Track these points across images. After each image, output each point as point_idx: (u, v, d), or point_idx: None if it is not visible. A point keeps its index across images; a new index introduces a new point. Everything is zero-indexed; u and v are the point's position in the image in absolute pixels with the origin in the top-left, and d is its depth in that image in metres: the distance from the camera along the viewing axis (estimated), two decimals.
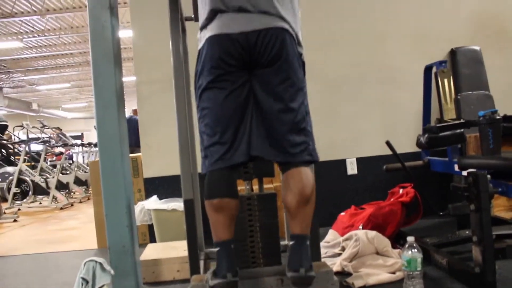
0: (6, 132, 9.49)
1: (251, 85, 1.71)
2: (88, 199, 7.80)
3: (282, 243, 2.32)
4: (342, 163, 3.88)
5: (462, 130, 2.62)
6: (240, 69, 1.70)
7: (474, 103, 3.45)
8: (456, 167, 2.87)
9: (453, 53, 3.85)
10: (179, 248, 2.81)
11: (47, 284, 2.79)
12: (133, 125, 6.02)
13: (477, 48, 3.85)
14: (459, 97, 3.43)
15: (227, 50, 1.68)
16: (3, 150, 8.68)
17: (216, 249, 1.74)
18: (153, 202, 3.50)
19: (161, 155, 3.71)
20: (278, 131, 1.70)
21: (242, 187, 2.48)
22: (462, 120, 2.72)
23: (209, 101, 1.72)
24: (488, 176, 1.96)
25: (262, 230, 2.22)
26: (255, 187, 2.45)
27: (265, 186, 2.70)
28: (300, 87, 1.74)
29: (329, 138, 3.85)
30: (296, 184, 1.69)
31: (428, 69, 3.53)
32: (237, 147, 1.71)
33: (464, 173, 2.71)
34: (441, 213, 2.66)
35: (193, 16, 2.25)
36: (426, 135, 2.65)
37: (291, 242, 1.73)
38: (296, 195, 1.68)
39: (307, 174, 1.72)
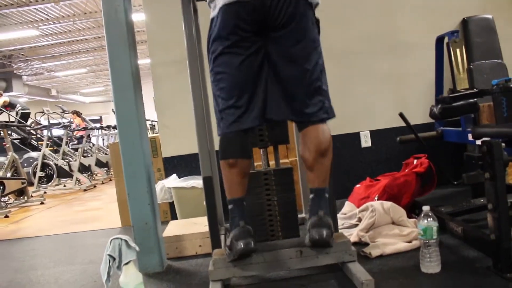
0: (31, 120, 9.60)
1: (266, 50, 1.71)
2: (110, 180, 7.90)
3: (299, 216, 2.34)
4: (356, 136, 3.86)
5: (475, 99, 2.58)
6: (255, 34, 1.70)
7: (487, 72, 3.39)
8: (469, 137, 2.83)
9: (465, 22, 3.77)
10: (200, 224, 2.85)
11: (74, 262, 2.85)
12: None
13: (489, 16, 3.75)
14: (471, 66, 3.37)
15: (242, 17, 1.68)
16: (27, 136, 8.80)
17: (229, 206, 1.81)
18: (173, 181, 3.52)
19: (178, 134, 3.72)
20: (294, 92, 1.72)
21: (259, 162, 2.49)
22: (475, 90, 2.67)
23: (225, 66, 1.73)
24: (503, 144, 1.93)
25: (280, 204, 2.24)
26: (272, 163, 2.46)
27: (281, 161, 2.70)
28: (315, 46, 1.74)
29: (342, 112, 3.77)
30: (313, 141, 1.73)
31: (439, 40, 3.46)
32: (252, 110, 1.73)
33: (478, 142, 2.68)
34: (455, 182, 2.64)
35: None
36: (439, 106, 2.61)
37: (310, 196, 1.78)
38: (313, 151, 1.73)
39: (324, 130, 1.75)
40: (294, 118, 1.77)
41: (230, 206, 1.82)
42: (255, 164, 2.69)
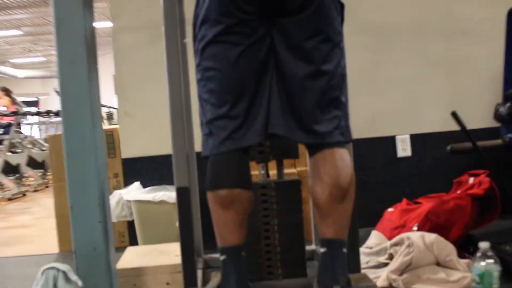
0: None
1: (272, 40, 1.70)
2: (46, 186, 7.89)
3: (308, 247, 2.34)
4: (390, 141, 3.88)
5: None
6: (259, 17, 1.67)
7: None
8: None
9: None
10: (169, 253, 2.84)
11: None
12: None
13: None
14: None
15: None
16: None
17: (221, 258, 1.76)
18: (135, 191, 3.53)
19: (146, 127, 3.73)
20: (304, 102, 1.71)
21: (255, 172, 2.49)
22: None
23: (216, 60, 1.71)
24: None
25: (281, 229, 2.24)
26: (273, 172, 2.46)
27: (286, 171, 2.70)
28: (336, 42, 1.73)
29: (374, 108, 3.85)
30: (329, 171, 1.70)
31: None
32: (251, 122, 1.72)
33: None
34: None
35: None
36: (509, 104, 2.63)
37: (322, 249, 1.74)
38: (328, 186, 1.69)
39: (344, 157, 1.73)
40: (302, 140, 1.76)
41: (221, 257, 1.79)
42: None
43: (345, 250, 1.74)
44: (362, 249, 2.87)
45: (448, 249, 2.62)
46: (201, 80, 1.76)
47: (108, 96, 4.39)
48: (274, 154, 2.31)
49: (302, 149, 3.01)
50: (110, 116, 11.03)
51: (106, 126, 5.91)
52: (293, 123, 1.73)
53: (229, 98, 1.70)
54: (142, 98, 3.73)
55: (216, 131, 1.73)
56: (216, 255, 1.77)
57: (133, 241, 3.64)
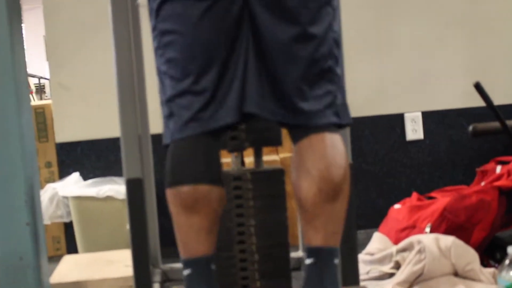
0: None
1: None
2: None
3: (293, 254, 2.35)
4: (397, 120, 3.90)
5: None
6: None
7: None
8: None
9: None
10: (118, 263, 2.83)
11: None
12: None
13: None
14: None
15: None
16: None
17: (184, 272, 1.76)
18: (73, 185, 3.52)
19: (86, 103, 3.72)
20: (288, 73, 1.71)
21: (226, 159, 2.48)
22: None
23: (175, 20, 1.71)
24: None
25: (260, 232, 2.24)
26: (249, 160, 2.46)
27: (266, 157, 2.69)
28: (327, 0, 1.74)
29: (376, 79, 3.87)
30: (317, 162, 1.70)
31: None
32: (222, 99, 1.71)
33: None
34: None
35: None
36: None
37: (308, 260, 1.75)
38: (316, 180, 1.70)
39: (335, 145, 1.73)
40: (285, 120, 1.76)
41: (185, 272, 1.78)
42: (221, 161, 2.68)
43: (336, 261, 1.75)
44: (362, 256, 2.87)
45: (468, 256, 2.64)
46: (158, 48, 1.76)
47: (37, 63, 4.34)
48: (251, 141, 2.29)
49: (286, 135, 3.02)
50: (40, 89, 10.96)
51: (35, 101, 5.86)
52: (273, 100, 1.73)
53: (192, 69, 1.70)
54: (82, 65, 3.71)
55: (177, 111, 1.73)
56: (178, 265, 1.77)
57: (72, 248, 3.62)
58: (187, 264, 1.76)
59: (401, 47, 3.91)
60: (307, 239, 1.75)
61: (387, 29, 3.90)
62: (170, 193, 1.73)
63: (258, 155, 2.38)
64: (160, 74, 1.77)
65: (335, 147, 1.72)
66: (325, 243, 1.72)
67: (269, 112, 1.73)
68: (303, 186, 1.70)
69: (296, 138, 1.76)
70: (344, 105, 1.79)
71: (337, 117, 1.75)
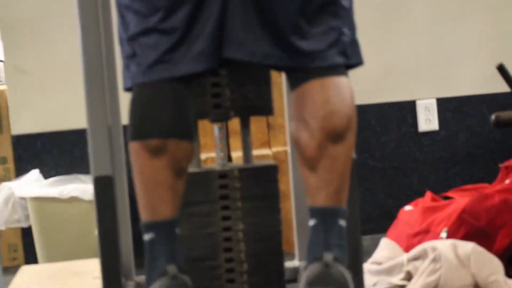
0: None
1: None
2: None
3: (288, 264, 2.35)
4: (409, 108, 3.92)
5: None
6: None
7: None
8: None
9: None
10: (85, 274, 2.83)
11: None
12: None
13: None
14: None
15: None
16: None
17: (146, 237, 1.81)
18: (33, 184, 3.50)
19: (48, 89, 3.71)
20: (282, 6, 1.71)
21: (210, 154, 2.47)
22: None
23: None
24: None
25: (249, 238, 2.24)
26: (236, 155, 2.45)
27: (256, 152, 2.69)
28: None
29: (385, 61, 3.88)
30: (319, 110, 1.73)
31: None
32: (195, 39, 1.72)
33: None
34: None
35: None
36: None
37: (311, 222, 1.80)
38: (318, 127, 1.73)
39: (340, 89, 1.76)
40: (279, 62, 1.76)
41: (147, 236, 1.80)
42: (203, 156, 2.68)
43: (342, 222, 1.79)
44: (368, 266, 2.88)
45: (491, 265, 2.64)
46: None
47: None
48: (237, 109, 2.25)
49: (279, 116, 3.01)
50: None
51: None
52: (264, 40, 1.73)
53: (161, 3, 1.70)
54: (43, 45, 3.70)
55: (141, 51, 1.75)
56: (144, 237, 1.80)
57: (31, 258, 3.62)
58: (149, 227, 1.80)
59: (413, 24, 3.92)
60: (310, 198, 1.80)
61: (397, 3, 3.91)
62: (133, 147, 1.77)
63: (245, 126, 2.34)
64: (121, 7, 1.78)
65: (339, 93, 1.74)
66: (327, 202, 1.77)
67: (257, 55, 1.74)
68: (302, 139, 1.75)
69: (294, 83, 1.78)
70: (354, 43, 1.80)
71: (343, 56, 1.76)
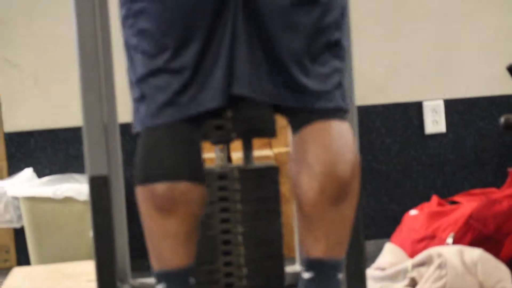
0: None
1: None
2: None
3: (289, 268, 2.34)
4: (414, 109, 3.91)
5: None
6: None
7: None
8: None
9: None
10: (78, 277, 2.83)
11: None
12: None
13: None
14: None
15: None
16: None
17: (158, 287, 1.77)
18: (26, 184, 3.51)
19: (42, 85, 3.71)
20: (287, 45, 1.71)
21: (209, 154, 2.46)
22: None
23: None
24: None
25: (249, 241, 2.24)
26: (236, 155, 2.45)
27: (257, 152, 2.69)
28: None
29: (390, 60, 3.87)
30: (321, 156, 1.71)
31: None
32: (205, 78, 1.72)
33: None
34: None
35: None
36: None
37: (306, 275, 1.76)
38: (320, 177, 1.70)
39: (344, 135, 1.75)
40: (285, 102, 1.76)
41: (159, 287, 1.78)
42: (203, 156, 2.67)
43: (340, 276, 1.76)
44: (371, 272, 2.88)
45: (499, 272, 2.65)
46: (128, 16, 1.76)
47: None
48: (239, 131, 2.25)
49: (281, 122, 3.02)
50: None
51: None
52: (270, 79, 1.72)
53: (169, 42, 1.70)
54: (36, 38, 3.70)
55: (150, 93, 1.73)
56: (150, 280, 1.77)
57: (23, 259, 3.62)
58: (160, 277, 1.77)
59: (420, 22, 3.92)
60: (305, 249, 1.76)
61: (403, 1, 3.91)
62: (141, 192, 1.74)
63: (247, 149, 2.35)
64: (129, 48, 1.77)
65: (343, 138, 1.73)
66: (327, 254, 1.73)
67: (264, 94, 1.73)
68: (303, 184, 1.71)
69: (296, 125, 1.77)
70: (345, 87, 1.80)
71: (344, 100, 1.76)
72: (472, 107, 3.91)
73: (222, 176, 2.24)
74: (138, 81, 1.75)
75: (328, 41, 1.73)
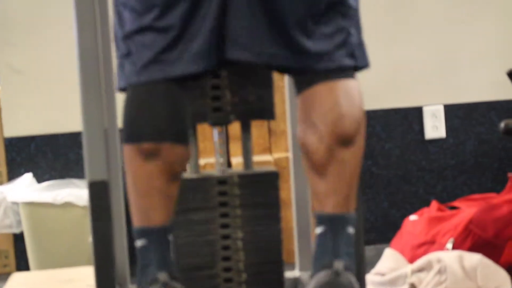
0: None
1: None
2: None
3: (288, 274, 2.35)
4: (414, 115, 3.92)
5: None
6: None
7: None
8: None
9: None
10: (78, 282, 2.82)
11: None
12: None
13: None
14: None
15: None
16: None
17: (138, 243, 1.83)
18: (25, 189, 3.50)
19: (42, 90, 3.71)
20: (288, 7, 1.71)
21: (208, 159, 2.47)
22: None
23: None
24: None
25: (248, 247, 2.24)
26: (236, 161, 2.45)
27: (257, 158, 2.69)
28: None
29: (390, 65, 3.88)
30: (328, 112, 1.74)
31: None
32: (193, 37, 1.72)
33: None
34: None
35: None
36: None
37: (318, 229, 1.80)
38: (324, 136, 1.74)
39: (349, 93, 1.76)
40: (285, 62, 1.76)
41: (139, 243, 1.82)
42: (201, 162, 2.68)
43: (351, 230, 1.81)
44: (370, 277, 2.89)
45: (498, 278, 2.65)
46: None
47: None
48: (237, 113, 2.24)
49: (281, 127, 3.00)
50: None
51: None
52: (269, 39, 1.72)
53: (157, 0, 1.70)
54: (38, 43, 3.70)
55: (136, 50, 1.74)
56: (136, 243, 1.81)
57: (22, 265, 3.62)
58: (142, 233, 1.82)
59: (420, 27, 3.93)
60: (317, 204, 1.81)
61: (403, 5, 3.92)
62: (127, 148, 1.78)
63: (246, 131, 2.33)
64: (118, 4, 1.78)
65: (348, 96, 1.74)
66: (338, 208, 1.78)
67: (263, 55, 1.73)
68: (311, 142, 1.75)
69: (300, 86, 1.78)
70: (361, 44, 1.80)
71: (351, 58, 1.77)
72: (472, 112, 3.92)
73: (221, 181, 2.24)
74: (125, 38, 1.76)
75: (331, 0, 1.73)
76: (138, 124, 1.77)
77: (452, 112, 3.94)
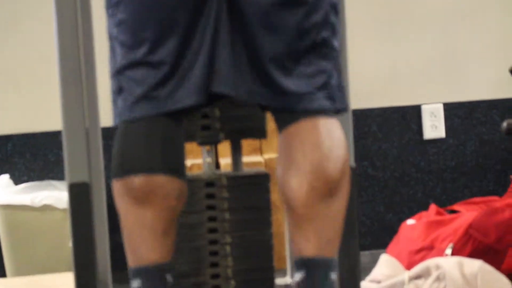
0: None
1: None
2: None
3: (279, 280, 2.35)
4: (412, 113, 3.92)
5: None
6: None
7: None
8: None
9: None
10: None
11: None
12: None
13: None
14: None
15: None
16: None
17: (133, 284, 1.77)
18: (2, 190, 3.48)
19: (19, 88, 3.70)
20: (269, 46, 1.72)
21: (196, 160, 2.46)
22: None
23: None
24: None
25: (238, 252, 2.24)
26: (225, 162, 2.45)
27: (246, 158, 2.68)
28: None
29: (387, 62, 3.88)
30: (308, 154, 1.72)
31: None
32: (184, 74, 1.72)
33: None
34: None
35: None
36: None
37: (298, 275, 1.75)
38: (308, 176, 1.71)
39: (331, 132, 1.75)
40: (264, 101, 1.77)
41: (135, 284, 1.78)
42: (188, 163, 2.72)
43: (334, 276, 1.75)
44: (366, 284, 2.89)
45: (500, 285, 2.65)
46: (109, 6, 1.77)
47: None
48: (227, 131, 2.27)
49: (272, 126, 3.00)
50: None
51: None
52: (251, 77, 1.74)
53: (147, 35, 1.71)
54: (14, 39, 3.69)
55: (127, 86, 1.74)
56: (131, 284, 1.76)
57: None
58: (136, 274, 1.77)
59: (419, 23, 3.94)
60: (297, 248, 1.76)
61: (401, 1, 3.92)
62: (117, 185, 1.75)
63: (236, 152, 2.36)
64: (112, 39, 1.78)
65: (330, 135, 1.74)
66: (318, 253, 1.73)
67: (244, 93, 1.74)
68: (292, 183, 1.72)
69: (282, 123, 1.77)
70: (340, 87, 1.80)
71: (330, 101, 1.76)
72: (472, 111, 3.92)
73: (209, 183, 2.24)
74: (117, 73, 1.76)
75: (314, 41, 1.74)
76: (128, 159, 1.75)
77: (452, 111, 3.94)
